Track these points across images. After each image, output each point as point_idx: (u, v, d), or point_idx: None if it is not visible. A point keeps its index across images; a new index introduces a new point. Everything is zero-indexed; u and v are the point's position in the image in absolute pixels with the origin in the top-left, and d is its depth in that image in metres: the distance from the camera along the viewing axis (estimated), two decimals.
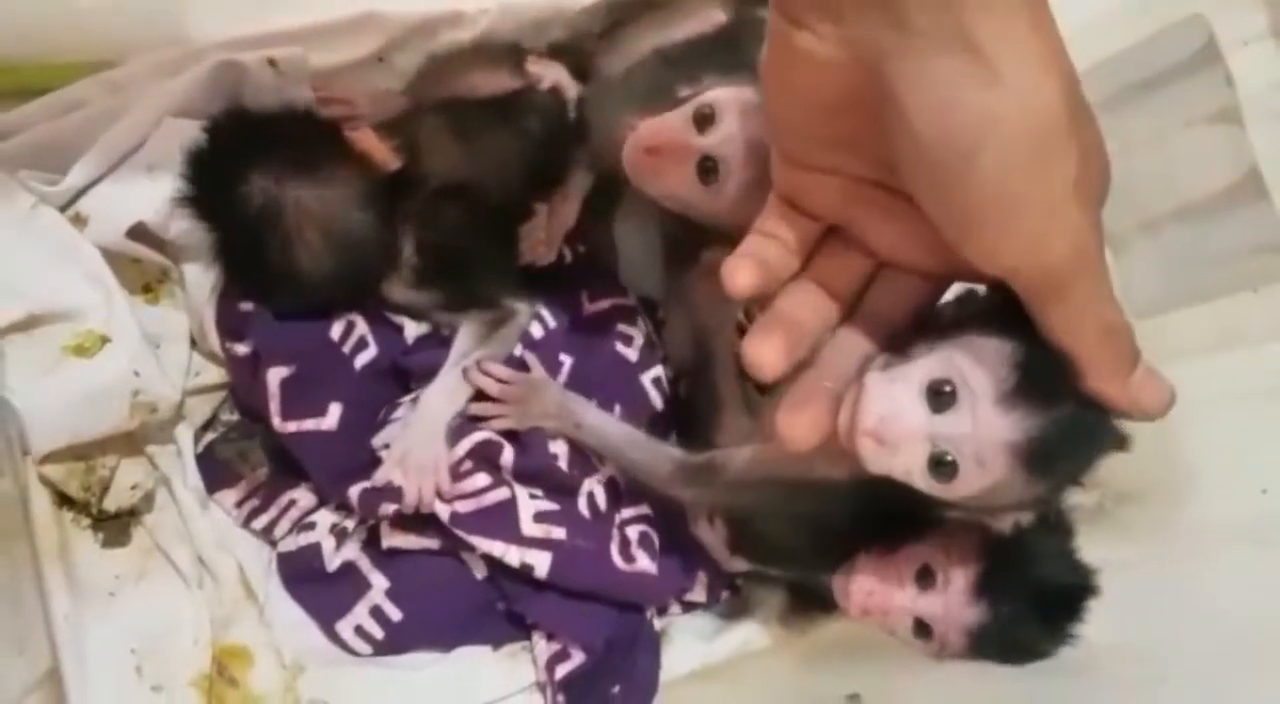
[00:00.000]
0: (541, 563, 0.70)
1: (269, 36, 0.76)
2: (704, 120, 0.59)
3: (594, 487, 0.75)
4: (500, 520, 0.71)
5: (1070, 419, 0.47)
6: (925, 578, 0.62)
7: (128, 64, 0.75)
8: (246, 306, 0.70)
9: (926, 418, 0.47)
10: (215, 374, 0.74)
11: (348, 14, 0.78)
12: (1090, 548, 0.68)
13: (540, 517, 0.72)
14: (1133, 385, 0.46)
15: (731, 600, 0.79)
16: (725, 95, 0.60)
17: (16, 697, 0.59)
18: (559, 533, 0.72)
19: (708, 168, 0.59)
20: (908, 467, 0.48)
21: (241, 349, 0.71)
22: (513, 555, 0.70)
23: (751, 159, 0.57)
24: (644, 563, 0.74)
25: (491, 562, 0.72)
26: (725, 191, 0.59)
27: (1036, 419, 0.46)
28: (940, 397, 0.47)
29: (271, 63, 0.74)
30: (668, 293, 0.85)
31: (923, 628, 0.63)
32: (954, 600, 0.61)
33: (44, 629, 0.64)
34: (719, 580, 0.78)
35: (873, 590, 0.63)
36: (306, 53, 0.76)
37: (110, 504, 0.69)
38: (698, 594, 0.77)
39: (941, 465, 0.47)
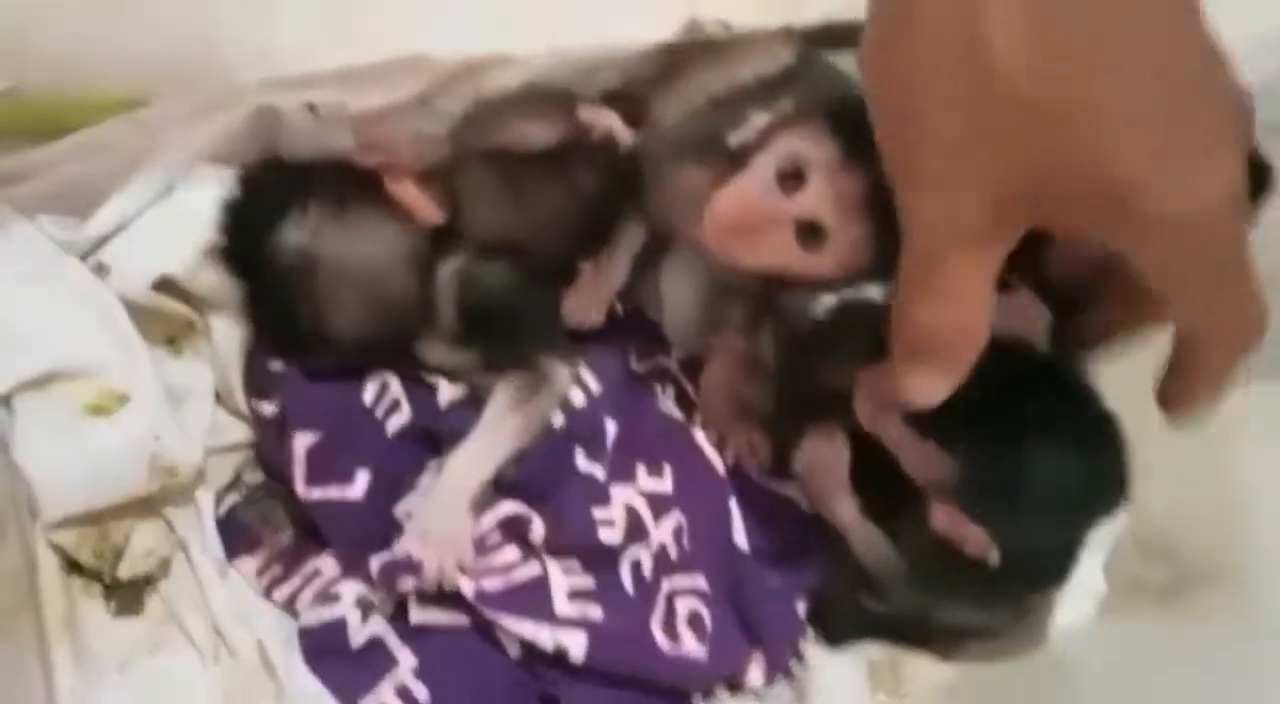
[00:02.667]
0: (577, 645, 0.66)
1: (308, 78, 0.73)
2: (791, 179, 0.54)
3: (641, 554, 0.70)
4: (531, 598, 0.66)
5: None
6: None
7: (159, 103, 0.72)
8: (276, 365, 0.67)
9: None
10: (240, 432, 0.70)
11: (391, 56, 0.75)
12: (1160, 632, 0.67)
13: (575, 594, 0.67)
14: None
15: (786, 686, 0.74)
16: (803, 146, 0.56)
17: None
18: (595, 612, 0.67)
19: (810, 231, 0.55)
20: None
21: (269, 409, 0.67)
22: (545, 637, 0.65)
23: (852, 211, 0.54)
24: (690, 645, 0.69)
25: (524, 642, 0.67)
26: (833, 251, 0.55)
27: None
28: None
29: (310, 108, 0.70)
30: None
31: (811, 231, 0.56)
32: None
33: None
34: (777, 663, 0.73)
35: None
36: (346, 95, 0.73)
37: (124, 571, 0.65)
38: (753, 677, 0.72)
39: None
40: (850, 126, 0.53)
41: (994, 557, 0.61)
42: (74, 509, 0.63)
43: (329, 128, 0.72)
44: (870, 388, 0.61)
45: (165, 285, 0.66)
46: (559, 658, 0.66)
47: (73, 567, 0.64)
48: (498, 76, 0.78)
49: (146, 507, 0.66)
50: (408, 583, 0.64)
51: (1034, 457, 0.60)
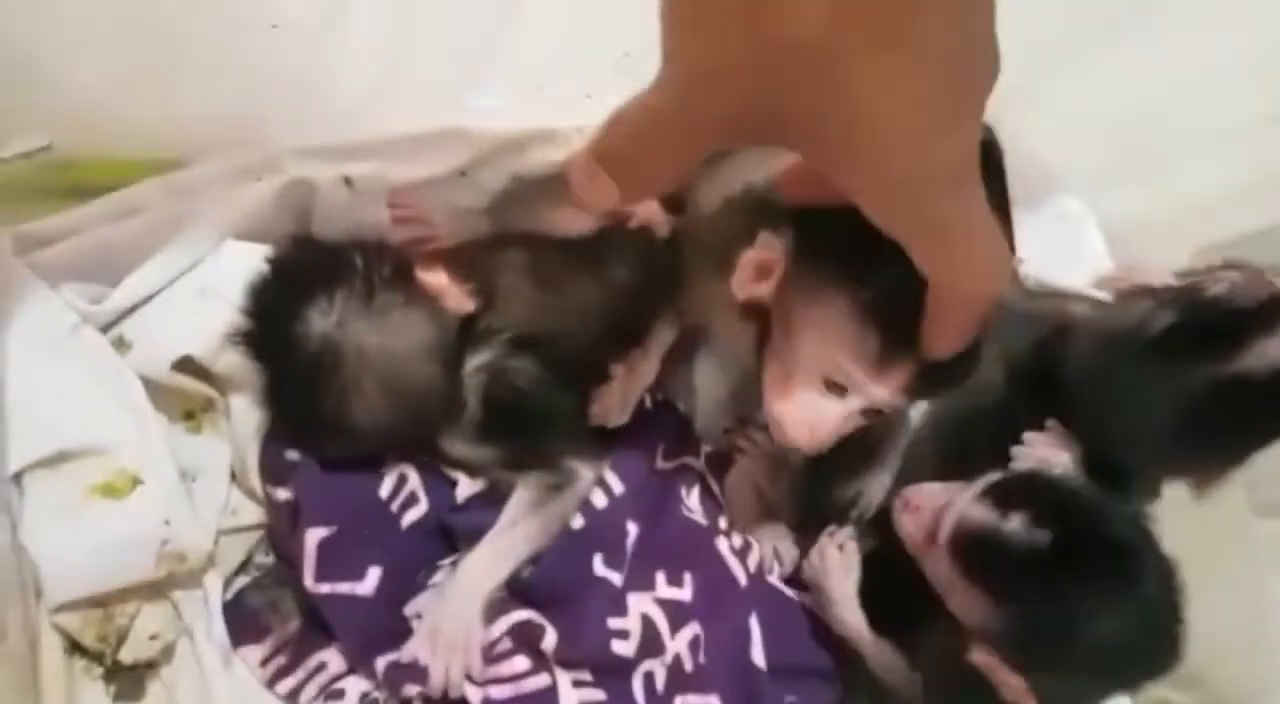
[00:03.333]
0: None
1: (347, 147, 0.71)
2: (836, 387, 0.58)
3: (655, 667, 0.68)
4: None
5: None
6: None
7: (194, 166, 0.70)
8: (292, 454, 0.65)
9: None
10: (254, 513, 0.68)
11: (433, 127, 0.73)
12: None
13: None
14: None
15: None
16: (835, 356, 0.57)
17: None
18: None
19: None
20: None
21: (282, 495, 0.65)
22: None
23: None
24: None
25: None
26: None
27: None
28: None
29: (346, 181, 0.68)
30: None
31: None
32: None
33: None
34: None
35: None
36: (385, 166, 0.71)
37: (126, 655, 0.63)
38: None
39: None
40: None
41: None
42: (79, 594, 0.61)
43: (364, 202, 0.70)
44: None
45: (186, 362, 0.65)
46: None
47: (75, 648, 0.63)
48: (539, 151, 0.76)
49: (154, 589, 0.65)
50: (412, 689, 0.62)
51: (1088, 619, 0.58)
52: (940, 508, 0.64)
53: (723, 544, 0.72)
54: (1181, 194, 0.82)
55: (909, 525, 0.66)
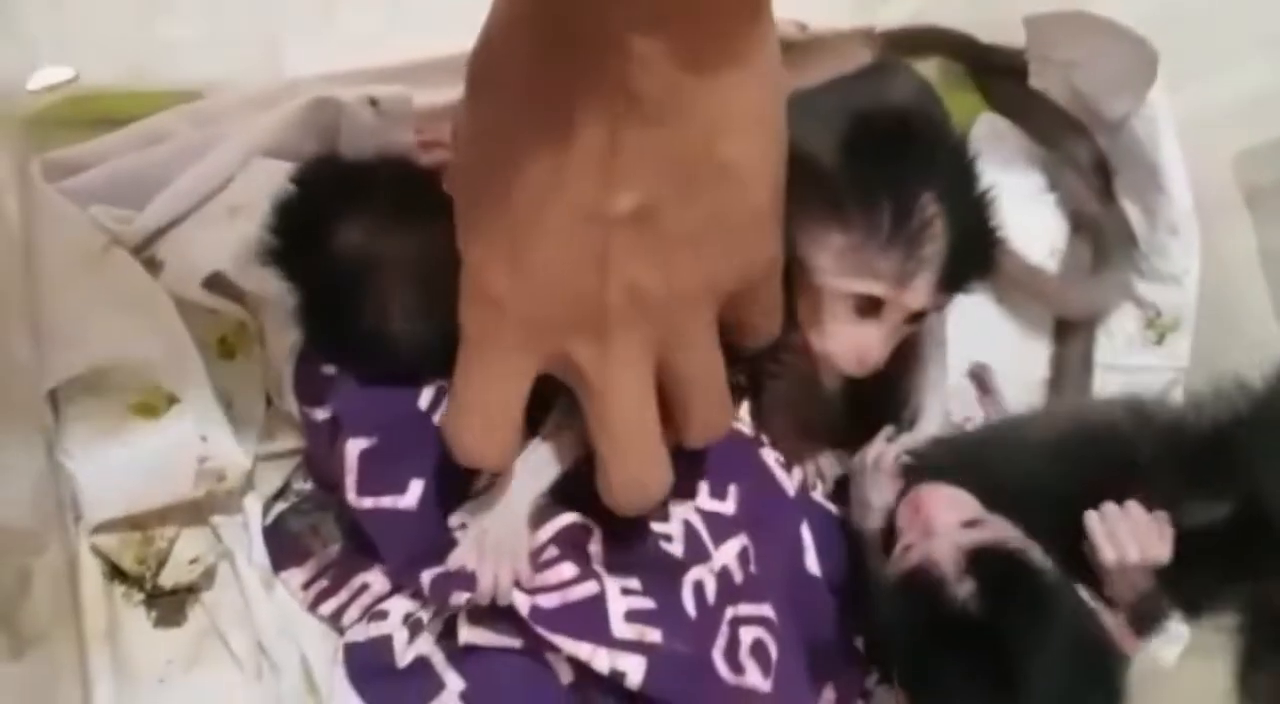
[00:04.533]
0: (634, 669, 0.62)
1: (369, 72, 0.70)
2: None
3: (704, 575, 0.66)
4: (587, 618, 0.62)
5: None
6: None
7: (217, 95, 0.70)
8: (329, 370, 0.64)
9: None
10: (291, 439, 0.67)
11: (455, 50, 0.72)
12: None
13: (633, 615, 0.64)
14: None
15: None
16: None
17: None
18: (654, 635, 0.63)
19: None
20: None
21: (320, 415, 0.64)
22: (601, 659, 0.62)
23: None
24: (754, 678, 0.65)
25: (578, 665, 0.64)
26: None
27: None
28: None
29: (372, 102, 0.68)
30: None
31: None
32: None
33: None
34: (847, 701, 0.69)
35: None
36: (411, 90, 0.71)
37: (166, 579, 0.63)
38: None
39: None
40: None
41: None
42: (117, 511, 0.61)
43: (390, 123, 0.69)
44: None
45: (218, 284, 0.64)
46: (614, 684, 0.63)
47: (115, 573, 0.63)
48: None
49: (193, 513, 0.64)
50: (460, 597, 0.61)
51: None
52: (930, 529, 0.62)
53: (769, 455, 0.71)
54: (1222, 98, 0.81)
55: (904, 518, 0.64)
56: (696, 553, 0.66)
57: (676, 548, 0.64)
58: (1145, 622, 0.63)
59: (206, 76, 0.70)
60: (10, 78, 0.67)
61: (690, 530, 0.66)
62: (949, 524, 0.61)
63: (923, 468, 0.67)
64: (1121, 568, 0.60)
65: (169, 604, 0.63)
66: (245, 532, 0.65)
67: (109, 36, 0.67)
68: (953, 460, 0.67)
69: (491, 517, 0.62)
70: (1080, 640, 0.57)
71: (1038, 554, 0.59)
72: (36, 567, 0.57)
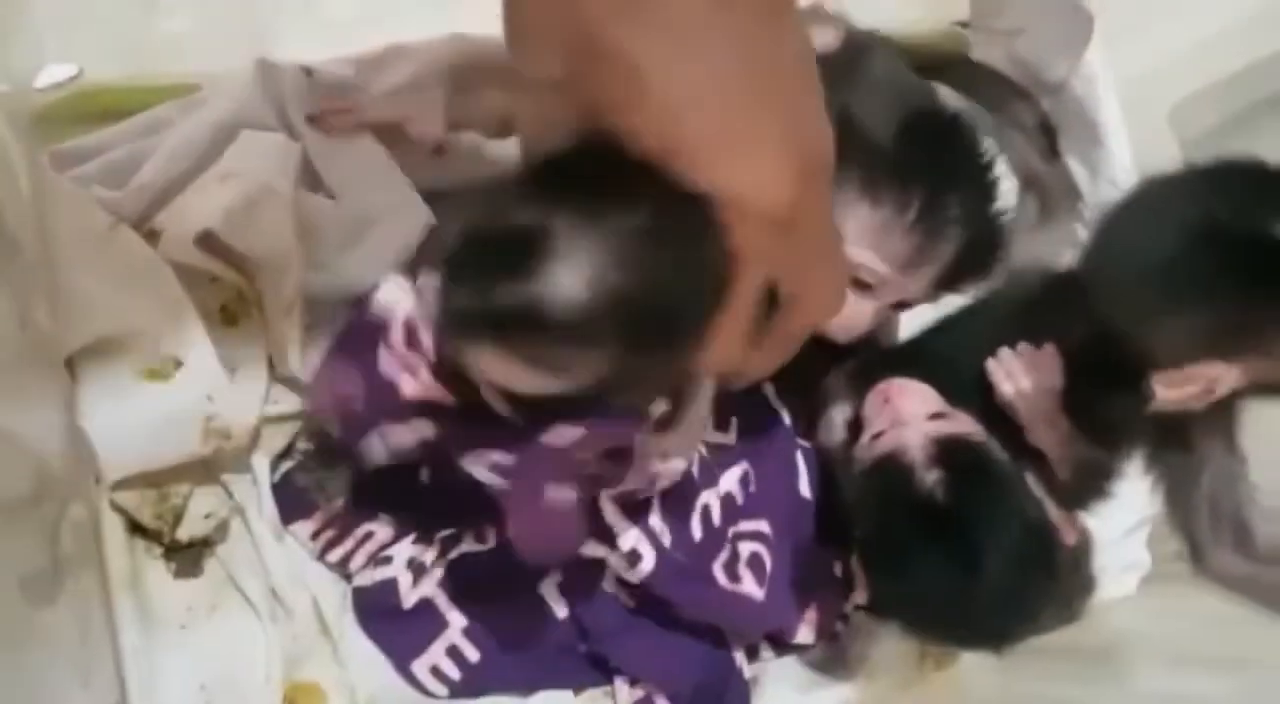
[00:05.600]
0: (648, 557, 0.66)
1: (354, 61, 0.75)
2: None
3: (711, 499, 0.71)
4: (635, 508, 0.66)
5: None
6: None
7: (211, 86, 0.74)
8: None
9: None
10: (293, 402, 0.71)
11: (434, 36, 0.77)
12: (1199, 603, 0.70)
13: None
14: None
15: (827, 651, 0.74)
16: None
17: None
18: (666, 539, 0.67)
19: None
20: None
21: None
22: (630, 537, 0.65)
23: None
24: (749, 586, 0.69)
25: (572, 597, 0.68)
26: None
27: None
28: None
29: (307, 72, 0.72)
30: None
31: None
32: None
33: (112, 661, 0.62)
34: (828, 624, 0.73)
35: None
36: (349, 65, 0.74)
37: (183, 533, 0.67)
38: (803, 635, 0.73)
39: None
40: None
41: None
42: (133, 469, 0.64)
43: (321, 91, 0.72)
44: None
45: (210, 241, 0.67)
46: (608, 613, 0.67)
47: (135, 528, 0.66)
48: None
49: (205, 472, 0.68)
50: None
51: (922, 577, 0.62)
52: (899, 418, 0.65)
53: (769, 389, 0.75)
54: (1158, 51, 0.86)
55: (872, 407, 0.68)
56: (707, 479, 0.70)
57: (691, 472, 0.68)
58: (1085, 490, 0.70)
59: (204, 69, 0.74)
60: (18, 76, 0.71)
61: (701, 460, 0.70)
62: (917, 415, 0.65)
63: (876, 375, 0.71)
64: (1023, 398, 0.66)
65: (187, 556, 0.67)
66: (255, 488, 0.69)
67: (110, 33, 0.72)
68: (900, 362, 0.72)
69: None
70: (1030, 527, 0.61)
71: (996, 447, 0.64)
72: (64, 523, 0.60)
